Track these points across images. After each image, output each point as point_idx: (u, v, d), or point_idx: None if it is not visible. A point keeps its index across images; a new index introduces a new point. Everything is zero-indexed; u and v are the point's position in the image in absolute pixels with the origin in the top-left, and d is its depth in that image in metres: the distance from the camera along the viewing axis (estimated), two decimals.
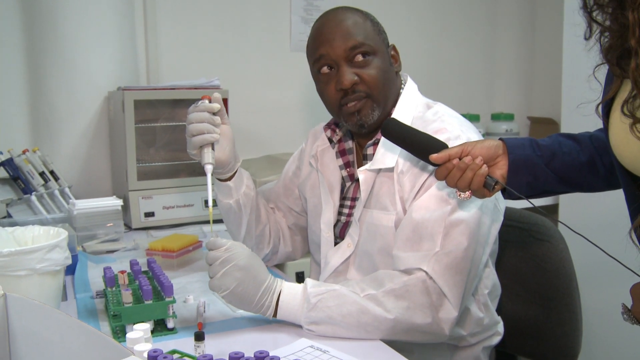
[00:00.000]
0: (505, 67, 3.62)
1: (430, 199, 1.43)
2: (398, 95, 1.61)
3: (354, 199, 1.63)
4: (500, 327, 1.66)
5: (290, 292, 1.37)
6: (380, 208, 1.52)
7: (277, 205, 1.86)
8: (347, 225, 1.63)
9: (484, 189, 1.30)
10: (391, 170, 1.51)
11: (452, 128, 1.48)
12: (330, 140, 1.69)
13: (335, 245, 1.65)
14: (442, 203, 1.41)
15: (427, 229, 1.40)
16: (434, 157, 1.31)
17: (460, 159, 1.30)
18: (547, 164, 1.33)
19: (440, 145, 1.33)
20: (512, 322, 1.75)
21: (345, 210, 1.65)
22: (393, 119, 1.43)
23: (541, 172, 1.33)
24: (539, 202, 1.38)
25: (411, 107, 1.58)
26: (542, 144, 1.35)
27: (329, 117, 3.18)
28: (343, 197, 1.67)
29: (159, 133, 2.54)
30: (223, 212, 1.73)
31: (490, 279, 1.60)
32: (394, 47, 1.60)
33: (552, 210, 1.66)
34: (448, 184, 1.32)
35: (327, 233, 1.66)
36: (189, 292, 1.63)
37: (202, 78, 2.55)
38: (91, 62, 2.52)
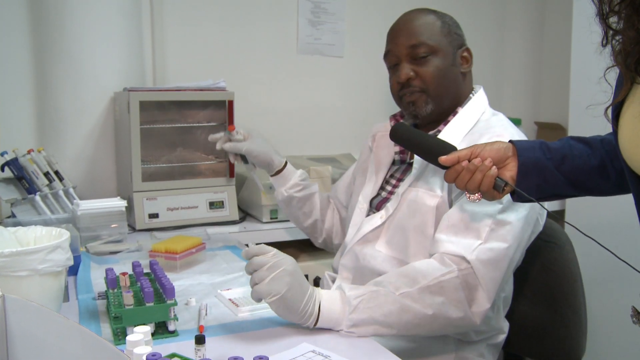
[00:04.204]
0: (513, 72, 3.60)
1: None
2: (465, 97, 1.69)
3: (400, 180, 1.71)
4: (505, 327, 1.69)
5: (329, 298, 1.37)
6: (427, 188, 1.59)
7: (337, 198, 2.02)
8: (386, 200, 1.71)
9: (494, 190, 1.30)
10: None
11: (510, 137, 1.51)
12: None
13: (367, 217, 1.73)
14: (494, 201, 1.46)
15: (475, 221, 1.46)
16: (442, 159, 1.32)
17: (469, 161, 1.30)
18: (557, 167, 1.32)
19: (450, 148, 1.34)
20: (518, 322, 1.76)
21: (388, 187, 1.74)
22: (402, 123, 1.47)
23: (551, 175, 1.32)
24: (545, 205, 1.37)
25: (477, 112, 1.66)
26: (553, 147, 1.34)
27: (336, 120, 3.19)
28: (391, 175, 1.76)
29: (164, 134, 2.53)
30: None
31: (509, 284, 1.66)
32: (467, 50, 1.69)
33: (559, 215, 1.66)
34: (457, 186, 1.32)
35: (362, 204, 1.75)
36: (192, 294, 1.62)
37: (208, 80, 2.55)
38: (97, 63, 2.52)
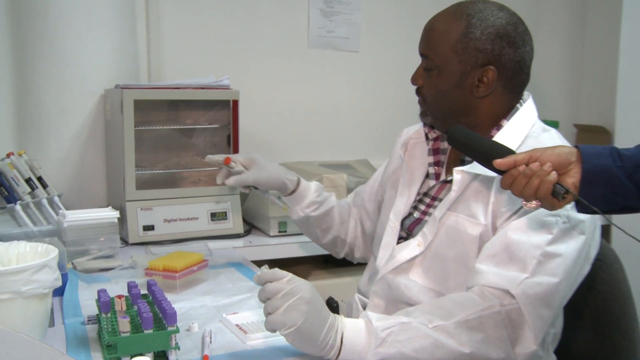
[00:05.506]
0: (550, 68, 3.56)
1: (532, 223, 1.45)
2: (496, 116, 1.63)
3: (435, 199, 1.68)
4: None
5: (353, 327, 1.35)
6: (468, 214, 1.56)
7: (363, 207, 2.02)
8: (419, 222, 1.69)
9: (553, 198, 1.27)
10: (491, 179, 1.53)
11: None
12: (426, 136, 1.76)
13: (399, 238, 1.71)
14: (543, 230, 1.44)
15: (520, 252, 1.43)
16: (498, 162, 1.30)
17: (527, 165, 1.28)
18: (629, 176, 1.28)
19: (507, 152, 1.33)
20: (562, 349, 1.71)
21: (422, 207, 1.70)
22: (459, 126, 1.45)
23: (621, 185, 1.28)
24: None
25: (525, 126, 1.62)
26: (625, 154, 1.30)
27: (351, 122, 3.16)
28: (424, 194, 1.72)
29: (161, 137, 2.52)
30: None
31: (559, 320, 1.62)
32: (489, 70, 1.57)
33: (605, 232, 1.64)
34: (513, 192, 1.31)
35: (394, 223, 1.73)
36: (193, 318, 1.60)
37: (210, 76, 2.53)
38: (85, 56, 2.50)
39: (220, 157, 1.94)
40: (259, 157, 1.97)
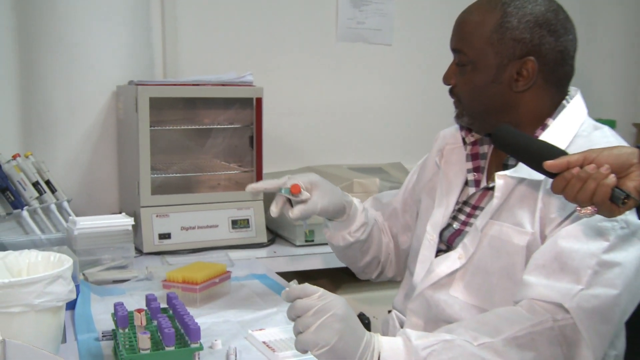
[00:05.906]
0: (605, 61, 3.54)
1: (585, 229, 1.42)
2: (539, 114, 1.61)
3: (476, 208, 1.67)
4: None
5: (391, 346, 1.33)
6: (514, 223, 1.54)
7: (392, 224, 2.00)
8: (459, 233, 1.67)
9: (611, 203, 1.25)
10: (537, 183, 1.51)
11: None
12: (463, 140, 1.74)
13: (438, 251, 1.69)
14: (598, 237, 1.41)
15: (572, 261, 1.40)
16: (549, 164, 1.28)
17: (582, 167, 1.26)
18: None
19: (559, 153, 1.31)
20: None
21: (462, 217, 1.69)
22: (505, 125, 1.43)
23: None
24: None
25: (574, 125, 1.59)
26: None
27: (383, 122, 3.15)
28: (464, 202, 1.71)
29: (178, 138, 2.53)
30: None
31: (620, 340, 1.58)
32: (528, 62, 1.56)
33: None
34: (566, 197, 1.29)
35: (431, 235, 1.71)
36: (216, 335, 1.60)
37: (230, 72, 2.54)
38: (96, 50, 2.53)
39: (270, 184, 1.77)
40: (318, 177, 1.81)
